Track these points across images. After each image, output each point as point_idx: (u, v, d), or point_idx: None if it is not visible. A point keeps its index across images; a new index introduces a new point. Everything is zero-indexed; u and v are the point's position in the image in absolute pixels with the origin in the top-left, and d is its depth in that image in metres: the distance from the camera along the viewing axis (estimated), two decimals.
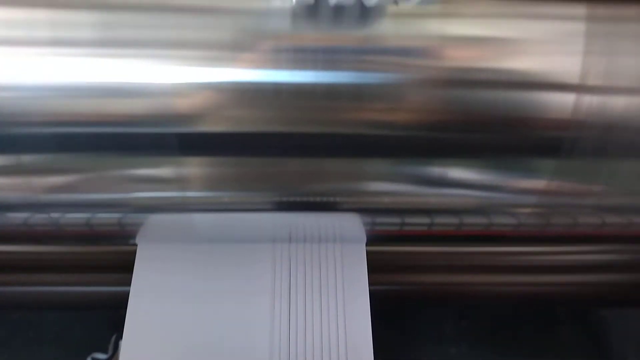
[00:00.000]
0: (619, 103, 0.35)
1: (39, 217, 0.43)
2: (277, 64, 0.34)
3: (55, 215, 0.43)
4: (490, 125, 0.36)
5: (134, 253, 0.48)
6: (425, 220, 0.44)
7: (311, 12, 0.33)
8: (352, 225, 0.45)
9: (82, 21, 0.34)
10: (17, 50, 0.34)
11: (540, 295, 0.58)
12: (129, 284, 0.47)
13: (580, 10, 0.34)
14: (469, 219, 0.43)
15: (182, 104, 0.35)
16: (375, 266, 0.48)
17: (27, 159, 0.38)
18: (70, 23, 0.34)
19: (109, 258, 0.54)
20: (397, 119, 0.36)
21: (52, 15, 0.34)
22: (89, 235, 0.47)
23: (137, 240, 0.48)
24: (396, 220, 0.44)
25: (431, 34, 0.34)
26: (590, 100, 0.35)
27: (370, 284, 0.47)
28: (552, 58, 0.34)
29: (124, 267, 0.48)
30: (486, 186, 0.40)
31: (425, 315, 0.70)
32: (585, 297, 0.59)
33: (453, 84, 0.35)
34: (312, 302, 0.46)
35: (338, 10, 0.33)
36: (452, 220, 0.43)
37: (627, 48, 0.34)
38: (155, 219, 0.44)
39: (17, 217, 0.43)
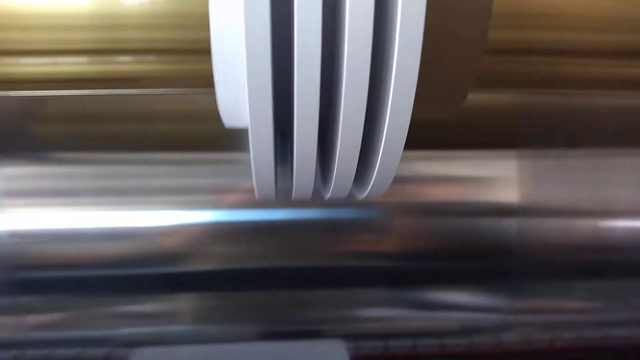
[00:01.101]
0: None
1: (28, 354, 0.44)
2: (259, 204, 0.37)
3: (45, 351, 0.44)
4: (466, 252, 0.39)
5: None
6: (408, 342, 0.45)
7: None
8: (336, 350, 0.46)
9: (71, 173, 0.37)
10: (14, 201, 0.37)
11: None
12: None
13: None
14: (451, 340, 0.45)
15: (169, 245, 0.38)
16: None
17: (20, 299, 0.40)
18: (58, 175, 0.37)
19: None
20: (380, 249, 0.39)
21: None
22: None
23: None
24: (379, 344, 0.45)
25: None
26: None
27: None
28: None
29: None
30: (470, 307, 0.42)
31: None
32: None
33: (428, 216, 0.38)
34: None
35: None
36: (434, 342, 0.45)
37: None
38: (144, 353, 0.45)
39: (5, 355, 0.44)
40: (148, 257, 0.38)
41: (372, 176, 0.19)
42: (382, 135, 0.17)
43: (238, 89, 0.19)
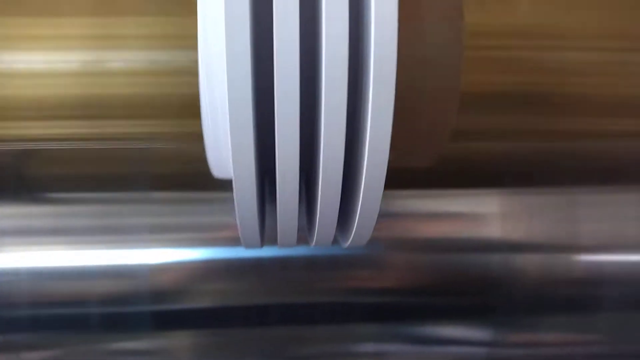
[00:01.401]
0: None
1: None
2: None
3: None
4: (454, 287, 0.39)
5: None
6: None
7: None
8: None
9: (65, 212, 0.38)
10: (11, 239, 0.37)
11: None
12: None
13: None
14: None
15: (163, 282, 0.38)
16: None
17: (15, 336, 0.40)
18: (52, 214, 0.38)
19: None
20: (377, 285, 0.39)
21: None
22: None
23: None
24: None
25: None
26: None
27: None
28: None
29: None
30: (459, 341, 0.42)
31: None
32: None
33: (418, 252, 0.38)
34: None
35: None
36: None
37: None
38: None
39: None
40: (142, 294, 0.38)
41: (354, 224, 0.19)
42: (361, 187, 0.18)
43: (223, 143, 0.20)
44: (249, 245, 0.20)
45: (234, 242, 0.38)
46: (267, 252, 0.38)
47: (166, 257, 0.38)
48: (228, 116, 0.17)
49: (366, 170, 0.17)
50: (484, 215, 0.36)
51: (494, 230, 0.36)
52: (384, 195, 0.38)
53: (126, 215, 0.38)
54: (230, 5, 0.15)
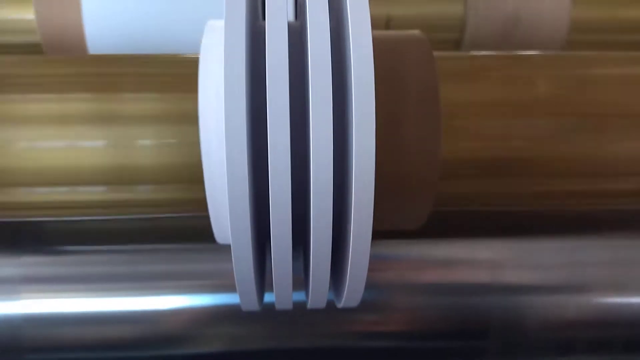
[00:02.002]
0: None
1: None
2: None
3: None
4: (449, 331, 0.40)
5: None
6: None
7: None
8: None
9: (81, 261, 0.40)
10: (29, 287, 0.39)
11: None
12: None
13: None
14: None
15: (175, 327, 0.40)
16: None
17: None
18: (69, 263, 0.40)
19: None
20: (380, 329, 0.40)
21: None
22: None
23: None
24: None
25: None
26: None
27: None
28: None
29: None
30: None
31: None
32: None
33: (427, 296, 0.39)
34: None
35: None
36: None
37: None
38: None
39: None
40: (153, 338, 0.40)
41: (345, 290, 0.21)
42: (349, 259, 0.19)
43: (223, 215, 0.22)
44: (246, 308, 0.22)
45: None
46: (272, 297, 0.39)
47: (177, 303, 0.39)
48: (227, 193, 0.18)
49: (352, 245, 0.18)
50: (480, 261, 0.37)
51: (490, 275, 0.37)
52: (384, 243, 0.39)
53: (138, 263, 0.40)
54: (230, 93, 0.17)
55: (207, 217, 0.27)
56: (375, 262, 0.36)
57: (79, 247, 0.39)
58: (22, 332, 0.40)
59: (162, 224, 0.40)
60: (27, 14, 0.46)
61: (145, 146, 0.25)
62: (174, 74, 0.27)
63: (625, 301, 0.40)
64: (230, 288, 0.40)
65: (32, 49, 0.49)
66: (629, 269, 0.40)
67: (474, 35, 0.46)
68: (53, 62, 0.31)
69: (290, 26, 0.21)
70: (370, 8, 0.47)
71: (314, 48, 0.17)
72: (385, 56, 0.19)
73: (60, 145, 0.25)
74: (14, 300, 0.38)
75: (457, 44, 0.48)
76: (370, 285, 0.39)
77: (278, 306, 0.23)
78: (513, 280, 0.38)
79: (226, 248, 0.40)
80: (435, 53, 0.25)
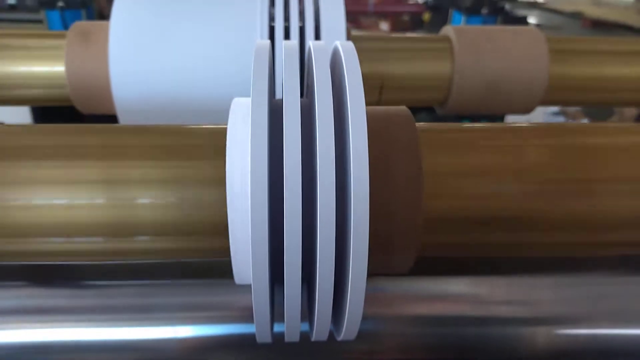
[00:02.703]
0: None
1: None
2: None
3: None
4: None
5: None
6: None
7: None
8: None
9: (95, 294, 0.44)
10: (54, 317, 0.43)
11: None
12: None
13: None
14: None
15: (189, 354, 0.44)
16: None
17: None
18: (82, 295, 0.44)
19: None
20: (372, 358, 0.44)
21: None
22: None
23: None
24: None
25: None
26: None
27: None
28: None
29: None
30: None
31: None
32: None
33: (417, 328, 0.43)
34: None
35: None
36: None
37: None
38: None
39: None
40: None
41: (344, 320, 0.25)
42: (347, 294, 0.24)
43: (244, 261, 0.26)
44: (261, 340, 0.26)
45: (243, 319, 0.44)
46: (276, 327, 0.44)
47: (186, 332, 0.43)
48: (251, 248, 0.23)
49: (350, 288, 0.23)
50: (465, 295, 0.42)
51: (471, 309, 0.42)
52: (379, 279, 0.43)
53: (147, 296, 0.44)
54: (255, 171, 0.22)
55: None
56: (369, 296, 0.41)
57: (104, 281, 0.43)
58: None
59: (168, 263, 0.44)
60: (58, 68, 0.52)
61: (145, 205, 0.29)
62: (174, 145, 0.32)
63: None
64: (232, 319, 0.44)
65: (61, 101, 0.54)
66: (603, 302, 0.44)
67: (459, 94, 0.51)
68: (61, 130, 0.35)
69: (301, 105, 0.26)
70: (367, 68, 0.53)
71: (322, 146, 0.22)
72: (375, 140, 0.24)
73: (63, 204, 0.30)
74: (47, 328, 0.42)
75: (444, 102, 0.54)
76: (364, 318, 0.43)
77: (287, 338, 0.27)
78: (493, 313, 0.43)
79: (225, 284, 0.45)
80: (424, 125, 0.30)
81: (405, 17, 4.04)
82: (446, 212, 0.28)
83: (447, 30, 0.53)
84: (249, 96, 0.25)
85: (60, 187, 0.31)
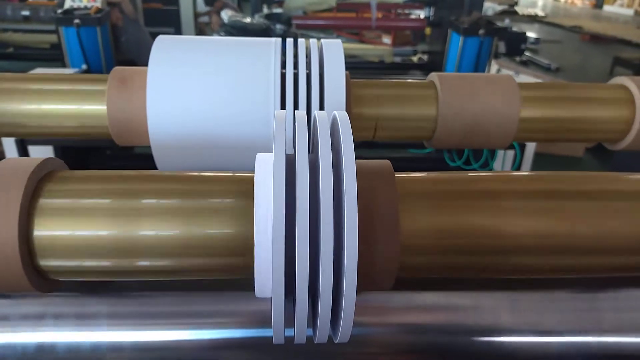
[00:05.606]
0: None
1: None
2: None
3: None
4: None
5: None
6: None
7: None
8: None
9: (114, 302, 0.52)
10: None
11: None
12: None
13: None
14: None
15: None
16: None
17: None
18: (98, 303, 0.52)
19: None
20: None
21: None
22: None
23: None
24: None
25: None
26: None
27: None
28: None
29: None
30: None
31: None
32: None
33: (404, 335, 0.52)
34: None
35: None
36: None
37: None
38: None
39: None
40: None
41: (340, 325, 0.34)
42: (342, 305, 0.32)
43: (267, 278, 0.35)
44: (277, 341, 0.35)
45: (251, 324, 0.52)
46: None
47: (199, 336, 0.52)
48: (272, 268, 0.32)
49: (344, 300, 0.31)
50: (437, 306, 0.50)
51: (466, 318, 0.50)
52: (367, 293, 0.51)
53: (190, 305, 0.52)
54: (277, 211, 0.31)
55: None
56: (359, 307, 0.49)
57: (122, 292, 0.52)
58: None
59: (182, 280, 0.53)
60: (100, 107, 0.60)
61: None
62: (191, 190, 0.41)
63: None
64: (241, 324, 0.52)
65: (101, 135, 0.62)
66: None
67: (442, 133, 0.60)
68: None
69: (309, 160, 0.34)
70: (363, 110, 0.61)
71: (324, 196, 0.31)
72: (363, 192, 0.33)
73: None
74: (98, 331, 0.51)
75: (429, 139, 0.62)
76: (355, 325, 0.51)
77: (296, 340, 0.35)
78: (461, 321, 0.51)
79: (231, 295, 0.53)
80: (402, 176, 0.39)
81: (407, 32, 4.16)
82: (419, 243, 0.36)
83: (432, 76, 0.62)
84: (261, 128, 0.33)
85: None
